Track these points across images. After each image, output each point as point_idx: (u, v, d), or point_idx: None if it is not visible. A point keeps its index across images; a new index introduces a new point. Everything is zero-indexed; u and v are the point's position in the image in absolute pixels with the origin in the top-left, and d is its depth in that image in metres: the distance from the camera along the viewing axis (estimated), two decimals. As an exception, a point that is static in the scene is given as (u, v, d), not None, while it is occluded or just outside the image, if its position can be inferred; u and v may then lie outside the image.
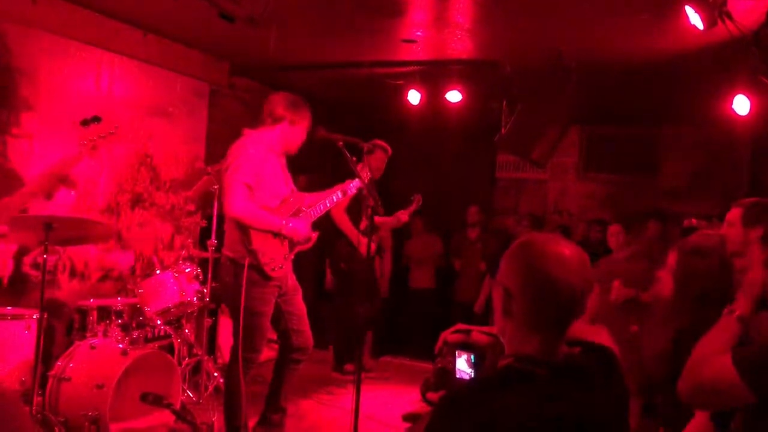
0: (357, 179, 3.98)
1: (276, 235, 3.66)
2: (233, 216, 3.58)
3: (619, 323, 4.76)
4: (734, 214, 2.80)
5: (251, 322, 3.62)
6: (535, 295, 1.46)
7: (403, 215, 5.72)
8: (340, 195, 4.08)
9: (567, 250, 1.49)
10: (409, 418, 4.69)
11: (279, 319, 3.83)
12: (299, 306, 3.91)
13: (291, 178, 3.92)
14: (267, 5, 2.56)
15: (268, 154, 3.72)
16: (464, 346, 1.79)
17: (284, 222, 3.66)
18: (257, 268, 3.60)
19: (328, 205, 4.07)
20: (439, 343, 1.81)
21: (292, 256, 3.81)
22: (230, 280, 3.64)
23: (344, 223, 5.52)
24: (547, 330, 1.47)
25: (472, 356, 1.74)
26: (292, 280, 3.89)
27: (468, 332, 1.80)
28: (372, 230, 3.96)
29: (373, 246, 5.08)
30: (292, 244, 3.76)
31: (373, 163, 5.18)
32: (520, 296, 1.48)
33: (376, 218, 5.09)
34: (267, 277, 3.64)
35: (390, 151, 5.53)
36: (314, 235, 3.88)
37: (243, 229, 3.58)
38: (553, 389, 1.41)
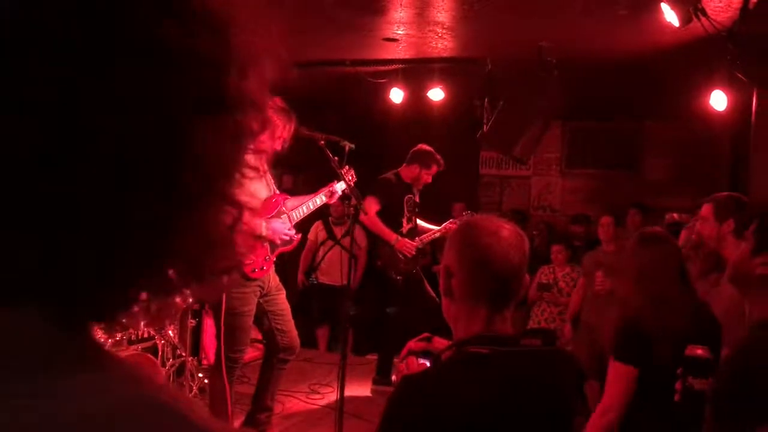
0: (342, 181, 3.99)
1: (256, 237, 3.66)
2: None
3: (604, 313, 4.83)
4: (706, 209, 2.87)
5: (233, 321, 3.63)
6: (471, 266, 1.52)
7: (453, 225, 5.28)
8: (324, 198, 4.08)
9: (504, 227, 1.56)
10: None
11: (263, 319, 3.83)
12: (283, 305, 3.91)
13: (273, 180, 3.92)
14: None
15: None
16: (424, 353, 1.80)
17: (263, 224, 3.66)
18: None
19: (311, 207, 4.08)
20: (404, 352, 1.81)
21: (274, 258, 3.82)
22: None
23: (375, 225, 5.27)
24: (486, 304, 1.52)
25: (427, 363, 1.77)
26: (274, 280, 3.90)
27: (430, 339, 1.82)
28: (351, 229, 3.95)
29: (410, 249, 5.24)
30: (274, 246, 3.76)
31: (423, 177, 5.32)
32: (459, 271, 1.54)
33: (419, 224, 5.42)
34: (248, 279, 3.64)
35: (443, 165, 5.45)
36: (297, 237, 3.88)
37: None
38: (498, 371, 1.48)
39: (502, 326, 1.55)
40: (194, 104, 0.47)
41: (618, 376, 2.41)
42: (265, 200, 3.78)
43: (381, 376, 5.32)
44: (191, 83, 0.46)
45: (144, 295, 0.51)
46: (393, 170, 5.40)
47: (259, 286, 3.74)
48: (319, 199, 4.06)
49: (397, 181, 5.34)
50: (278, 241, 3.74)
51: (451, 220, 5.67)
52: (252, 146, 0.54)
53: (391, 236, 5.19)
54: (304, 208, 3.99)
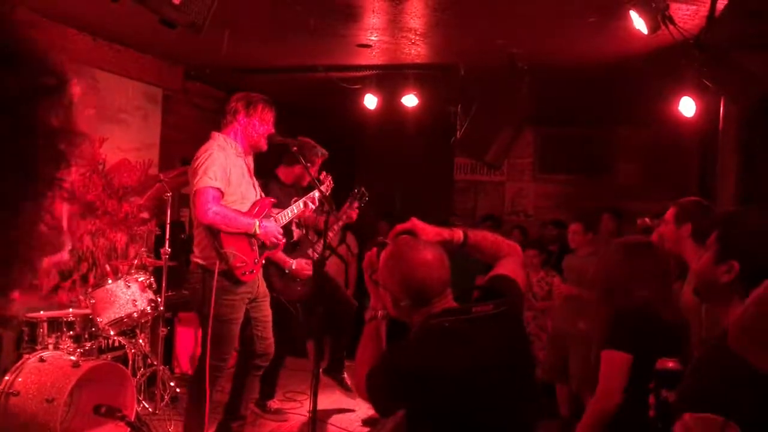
0: (317, 189, 3.98)
1: (249, 237, 3.62)
2: (206, 222, 3.47)
3: (571, 318, 4.87)
4: (669, 213, 2.95)
5: (221, 329, 3.56)
6: (412, 295, 1.96)
7: (352, 211, 4.68)
8: (301, 205, 4.06)
9: (429, 254, 1.97)
10: (369, 422, 4.71)
11: (245, 325, 3.78)
12: (266, 312, 3.87)
13: (257, 183, 3.89)
14: (209, 11, 2.53)
15: (236, 158, 3.67)
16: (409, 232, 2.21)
17: (257, 222, 3.62)
18: (228, 273, 3.53)
19: (295, 211, 4.06)
20: (392, 234, 2.17)
21: (263, 261, 3.78)
22: (199, 287, 3.56)
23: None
24: (426, 308, 1.96)
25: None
26: (262, 286, 3.85)
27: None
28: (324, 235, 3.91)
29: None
30: (262, 249, 3.72)
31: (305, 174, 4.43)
32: (403, 298, 1.97)
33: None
34: (238, 282, 3.58)
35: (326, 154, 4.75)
36: (282, 241, 3.85)
37: (214, 233, 3.49)
38: (460, 338, 1.89)
39: (447, 301, 1.98)
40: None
41: (612, 364, 2.44)
42: (255, 202, 3.75)
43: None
44: None
45: None
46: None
47: (249, 292, 3.70)
48: (302, 204, 4.04)
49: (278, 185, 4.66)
50: (269, 243, 3.71)
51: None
52: None
53: (286, 262, 4.53)
54: (289, 212, 3.97)
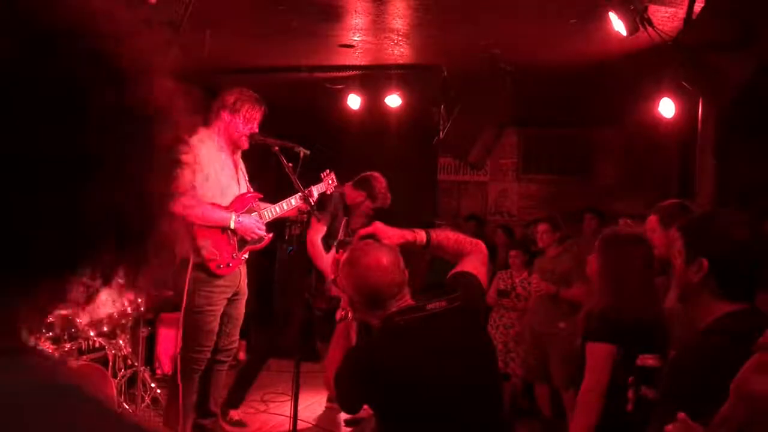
0: (319, 185, 4.00)
1: (224, 231, 3.61)
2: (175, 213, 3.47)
3: (548, 318, 4.89)
4: (652, 220, 2.96)
5: (197, 320, 3.57)
6: (366, 299, 2.05)
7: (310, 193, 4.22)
8: (293, 202, 4.01)
9: (383, 258, 2.05)
10: (352, 423, 4.70)
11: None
12: (240, 310, 3.87)
13: (246, 179, 3.87)
14: (187, 9, 2.53)
15: (218, 153, 3.66)
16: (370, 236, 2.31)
17: (233, 217, 3.61)
18: (203, 266, 3.54)
19: (285, 207, 4.01)
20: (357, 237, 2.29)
21: (244, 255, 3.76)
22: (176, 278, 3.56)
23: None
24: (381, 310, 2.04)
25: None
26: (243, 282, 3.83)
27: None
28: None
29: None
30: (243, 243, 3.71)
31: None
32: (358, 301, 2.07)
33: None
34: (213, 275, 3.58)
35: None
36: (268, 236, 3.84)
37: (188, 226, 3.49)
38: (414, 334, 2.00)
39: (404, 301, 2.06)
40: (103, 117, 0.52)
41: (595, 356, 2.48)
42: (237, 196, 3.74)
43: None
44: (97, 98, 0.52)
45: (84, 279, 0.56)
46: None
47: (228, 285, 3.68)
48: (294, 200, 4.01)
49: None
50: (248, 238, 3.70)
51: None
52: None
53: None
54: (277, 208, 3.94)
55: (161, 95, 0.58)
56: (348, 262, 2.08)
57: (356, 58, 5.79)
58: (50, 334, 3.98)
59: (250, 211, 3.77)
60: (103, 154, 0.52)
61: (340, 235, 4.60)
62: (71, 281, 0.55)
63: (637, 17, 3.52)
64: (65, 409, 0.50)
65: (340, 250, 2.23)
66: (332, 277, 2.23)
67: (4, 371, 0.50)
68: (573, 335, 4.51)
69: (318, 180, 4.35)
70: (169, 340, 5.66)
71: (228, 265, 3.63)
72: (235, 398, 4.56)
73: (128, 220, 0.55)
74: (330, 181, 4.49)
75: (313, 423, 4.77)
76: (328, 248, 4.49)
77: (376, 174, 4.84)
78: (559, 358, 4.73)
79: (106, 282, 0.57)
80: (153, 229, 0.58)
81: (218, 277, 3.60)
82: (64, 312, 4.14)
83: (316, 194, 4.12)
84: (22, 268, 0.51)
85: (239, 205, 3.73)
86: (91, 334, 4.17)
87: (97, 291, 0.58)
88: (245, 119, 3.71)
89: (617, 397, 2.38)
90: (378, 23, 4.93)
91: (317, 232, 4.50)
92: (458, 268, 2.23)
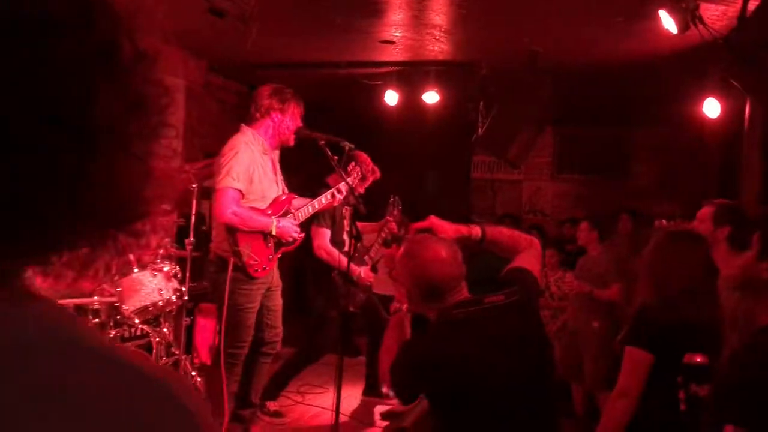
0: (344, 181, 3.97)
1: (265, 236, 3.67)
2: (223, 222, 3.60)
3: (584, 317, 4.87)
4: (705, 211, 2.92)
5: (236, 317, 3.65)
6: (424, 291, 2.06)
7: (391, 224, 4.72)
8: (329, 197, 4.05)
9: (441, 251, 2.05)
10: (388, 416, 4.72)
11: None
12: (277, 302, 3.95)
13: (283, 178, 3.92)
14: (256, 3, 2.56)
15: (261, 156, 3.73)
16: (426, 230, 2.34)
17: (274, 222, 3.67)
18: (242, 268, 3.64)
19: (316, 206, 4.04)
20: (411, 230, 2.32)
21: (279, 256, 3.82)
22: (216, 277, 3.69)
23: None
24: (439, 303, 2.06)
25: None
26: (276, 275, 3.92)
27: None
28: (356, 236, 3.92)
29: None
30: (279, 245, 3.78)
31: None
32: (416, 294, 2.07)
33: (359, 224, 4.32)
34: (250, 277, 3.66)
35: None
36: (300, 237, 3.89)
37: (230, 230, 3.59)
38: (473, 327, 2.00)
39: (461, 294, 2.07)
40: (91, 67, 0.50)
41: (632, 361, 2.44)
42: (274, 199, 3.79)
43: (370, 388, 5.12)
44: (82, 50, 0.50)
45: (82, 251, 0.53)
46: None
47: (264, 283, 3.77)
48: (324, 199, 4.04)
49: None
50: (284, 240, 3.76)
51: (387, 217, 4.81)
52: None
53: (354, 271, 4.44)
54: (309, 207, 3.98)
55: (149, 50, 0.56)
56: (407, 255, 2.09)
57: (396, 54, 5.80)
58: (96, 320, 4.06)
59: (285, 214, 3.83)
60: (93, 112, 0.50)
61: (346, 227, 4.56)
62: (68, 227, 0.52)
63: (689, 15, 3.48)
64: (65, 359, 0.48)
65: (393, 245, 2.26)
66: (388, 271, 2.24)
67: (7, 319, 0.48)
68: (606, 335, 4.51)
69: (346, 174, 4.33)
70: (206, 330, 5.73)
71: (264, 269, 3.72)
72: (274, 390, 4.60)
73: (119, 182, 0.53)
74: (356, 174, 4.49)
75: (349, 416, 4.80)
76: (338, 247, 4.51)
77: (357, 152, 4.54)
78: (592, 357, 4.71)
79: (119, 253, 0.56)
80: (142, 191, 0.55)
81: (255, 279, 3.69)
82: (109, 299, 4.23)
83: (344, 191, 4.12)
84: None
85: (277, 208, 3.79)
86: (136, 321, 4.24)
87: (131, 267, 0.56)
88: (292, 116, 3.77)
89: (666, 398, 2.35)
90: (420, 19, 4.94)
91: (324, 238, 4.50)
92: (514, 264, 2.23)
